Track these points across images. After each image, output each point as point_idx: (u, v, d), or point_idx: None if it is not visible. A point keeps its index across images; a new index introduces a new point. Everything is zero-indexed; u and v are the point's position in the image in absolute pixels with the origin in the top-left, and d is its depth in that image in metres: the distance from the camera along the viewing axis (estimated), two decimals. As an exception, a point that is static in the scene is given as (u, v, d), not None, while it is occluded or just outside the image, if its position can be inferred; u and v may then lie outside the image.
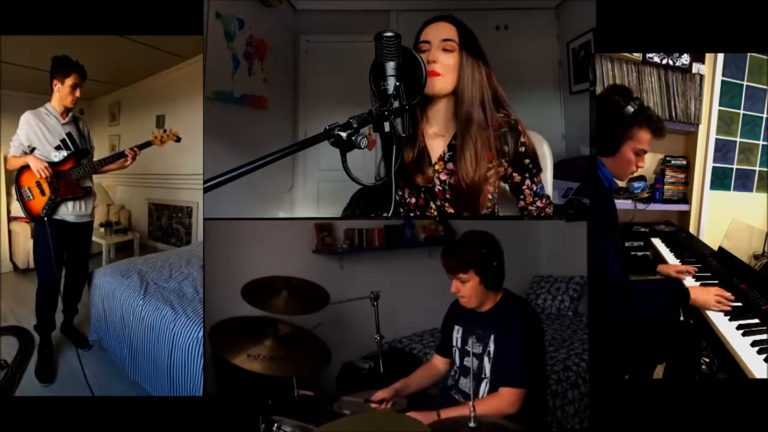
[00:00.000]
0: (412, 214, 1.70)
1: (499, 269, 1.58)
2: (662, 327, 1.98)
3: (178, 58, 4.02)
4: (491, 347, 1.56)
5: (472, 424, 1.27)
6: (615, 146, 1.85)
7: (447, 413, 1.46)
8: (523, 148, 1.62)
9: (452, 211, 1.64)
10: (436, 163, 1.63)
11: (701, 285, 2.05)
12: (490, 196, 1.64)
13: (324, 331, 1.90)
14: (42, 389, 2.41)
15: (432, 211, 1.66)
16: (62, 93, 2.47)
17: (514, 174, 1.64)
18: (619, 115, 1.82)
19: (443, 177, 1.62)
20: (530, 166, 1.64)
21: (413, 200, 1.68)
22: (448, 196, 1.63)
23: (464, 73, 1.57)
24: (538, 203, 1.68)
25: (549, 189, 1.83)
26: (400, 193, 1.69)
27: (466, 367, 1.63)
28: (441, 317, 1.78)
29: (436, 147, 1.65)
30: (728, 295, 1.85)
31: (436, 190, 1.64)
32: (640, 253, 2.85)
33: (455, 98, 1.59)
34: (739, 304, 1.84)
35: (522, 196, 1.67)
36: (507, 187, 1.70)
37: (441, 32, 1.57)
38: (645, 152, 1.87)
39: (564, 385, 2.06)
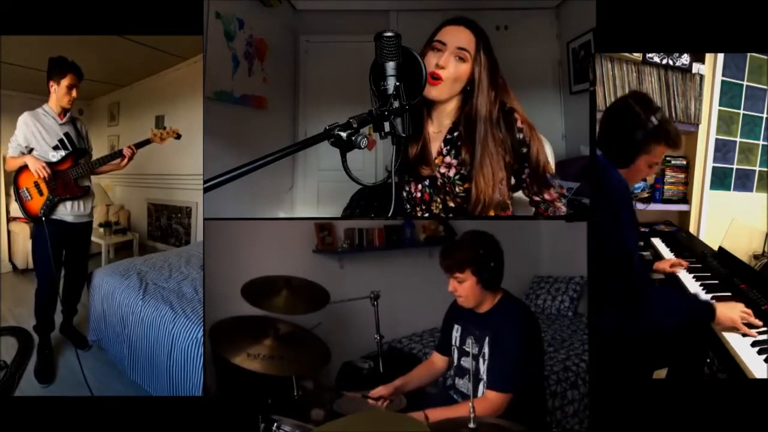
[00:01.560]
0: (418, 209, 1.69)
1: (497, 269, 1.57)
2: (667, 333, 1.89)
3: (177, 58, 4.01)
4: (486, 350, 1.56)
5: (472, 425, 1.27)
6: (630, 159, 1.75)
7: (434, 414, 1.43)
8: (520, 135, 1.57)
9: (454, 205, 1.64)
10: (436, 158, 1.64)
11: (717, 298, 1.94)
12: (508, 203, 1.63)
13: (324, 330, 1.90)
14: (41, 389, 2.40)
15: (437, 204, 1.66)
16: (59, 94, 2.46)
17: (513, 163, 1.59)
18: (640, 129, 1.71)
19: (443, 170, 1.63)
20: (527, 154, 1.57)
21: (419, 195, 1.68)
22: (447, 188, 1.62)
23: (480, 91, 1.54)
24: (545, 195, 1.62)
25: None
26: (407, 188, 1.69)
27: (463, 368, 1.63)
28: (440, 317, 1.78)
29: (435, 144, 1.66)
30: (755, 320, 1.69)
31: (439, 183, 1.64)
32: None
33: (467, 115, 1.57)
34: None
35: (524, 185, 1.64)
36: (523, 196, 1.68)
37: (459, 38, 1.54)
38: (658, 164, 1.80)
39: (563, 385, 2.06)
